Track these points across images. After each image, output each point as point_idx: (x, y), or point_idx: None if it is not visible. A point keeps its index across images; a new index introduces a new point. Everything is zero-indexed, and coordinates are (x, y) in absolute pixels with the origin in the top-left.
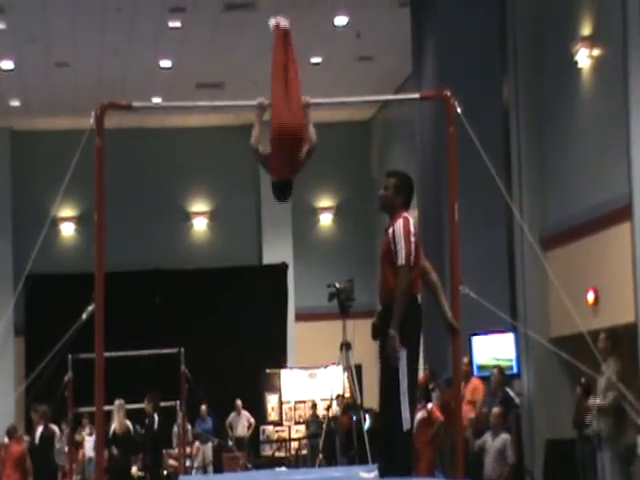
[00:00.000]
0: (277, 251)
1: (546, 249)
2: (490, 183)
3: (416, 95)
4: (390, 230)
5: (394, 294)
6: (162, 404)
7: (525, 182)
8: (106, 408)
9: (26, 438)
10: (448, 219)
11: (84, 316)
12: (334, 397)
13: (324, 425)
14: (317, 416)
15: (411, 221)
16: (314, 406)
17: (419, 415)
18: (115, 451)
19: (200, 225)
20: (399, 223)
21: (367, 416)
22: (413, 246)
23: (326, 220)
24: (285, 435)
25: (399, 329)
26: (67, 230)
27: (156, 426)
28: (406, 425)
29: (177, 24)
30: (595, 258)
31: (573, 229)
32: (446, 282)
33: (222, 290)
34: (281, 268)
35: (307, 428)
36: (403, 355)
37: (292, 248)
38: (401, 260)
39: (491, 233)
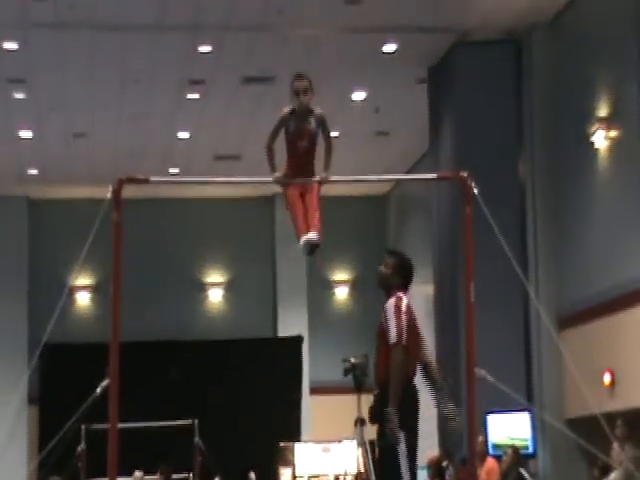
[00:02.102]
0: (292, 323)
1: (563, 329)
2: (506, 263)
3: (433, 175)
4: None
5: (388, 375)
6: (175, 476)
7: (541, 262)
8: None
9: None
10: (464, 298)
11: (98, 391)
12: (349, 473)
13: None
14: None
15: (404, 301)
16: None
17: None
18: None
19: (215, 296)
20: (390, 301)
21: None
22: (404, 324)
23: (342, 293)
24: None
25: (397, 411)
26: (82, 299)
27: None
28: None
29: (195, 96)
30: (612, 339)
31: (590, 310)
32: (461, 363)
33: (237, 362)
34: (296, 341)
35: None
36: (401, 436)
37: (307, 320)
38: (392, 339)
39: (507, 313)
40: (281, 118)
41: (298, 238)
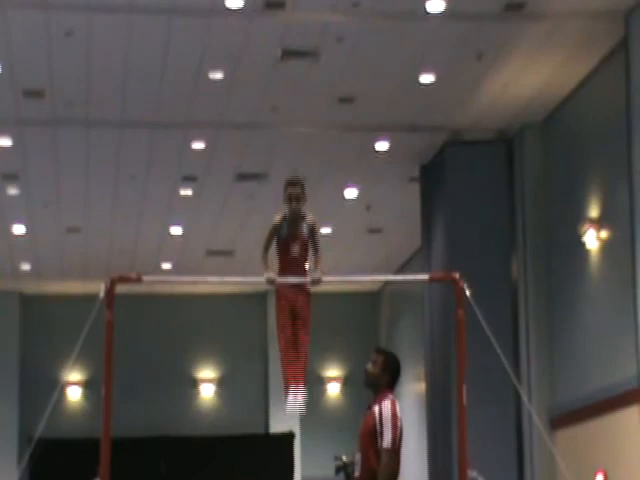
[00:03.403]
0: (284, 419)
1: (555, 428)
2: (498, 363)
3: (425, 277)
4: (376, 410)
5: (375, 476)
6: None
7: (533, 362)
8: None
9: None
10: (456, 398)
11: None
12: None
13: None
14: None
15: (397, 405)
16: None
17: None
18: None
19: (207, 392)
20: (387, 405)
21: None
22: (399, 431)
23: (334, 390)
24: None
25: None
26: (73, 394)
27: None
28: None
29: (189, 192)
30: (605, 440)
31: (582, 410)
32: (453, 463)
33: (228, 458)
34: (288, 437)
35: None
36: None
37: (299, 417)
38: (387, 444)
39: (499, 412)
40: (273, 226)
41: (286, 388)
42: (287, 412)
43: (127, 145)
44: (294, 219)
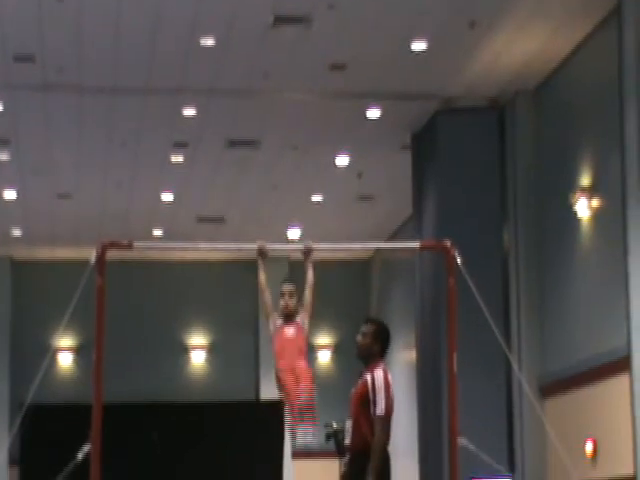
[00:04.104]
0: (275, 387)
1: (545, 397)
2: (489, 331)
3: (416, 244)
4: (368, 378)
5: (366, 443)
6: None
7: (524, 330)
8: None
9: None
10: (446, 367)
11: (79, 456)
12: None
13: None
14: None
15: (389, 374)
16: None
17: None
18: None
19: (198, 358)
20: (379, 374)
21: None
22: (391, 399)
23: (324, 358)
24: None
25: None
26: (64, 360)
27: None
28: None
29: (180, 159)
30: (594, 408)
31: (572, 378)
32: (444, 431)
33: (218, 425)
34: (278, 405)
35: None
36: None
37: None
38: (380, 411)
39: (489, 381)
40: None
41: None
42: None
43: (118, 111)
44: (288, 315)
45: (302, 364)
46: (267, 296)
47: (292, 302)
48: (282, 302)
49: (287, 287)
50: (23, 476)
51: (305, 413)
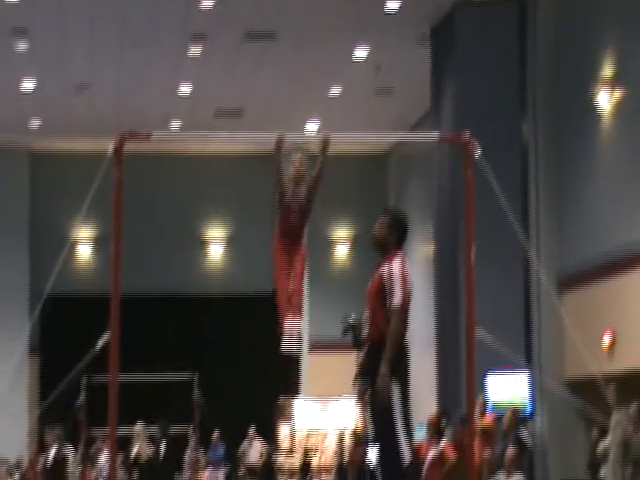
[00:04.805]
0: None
1: (563, 291)
2: (507, 225)
3: (435, 136)
4: (385, 269)
5: (383, 334)
6: (175, 430)
7: (543, 224)
8: (121, 431)
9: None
10: (464, 259)
11: (98, 345)
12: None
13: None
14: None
15: (407, 264)
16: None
17: (431, 454)
18: (136, 476)
19: (216, 251)
20: (397, 265)
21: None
22: (408, 290)
23: (342, 251)
24: (297, 465)
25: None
26: (83, 251)
27: (163, 453)
28: (406, 459)
29: (198, 51)
30: (612, 301)
31: (591, 272)
32: (461, 324)
33: (236, 318)
34: None
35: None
36: (396, 391)
37: (307, 277)
38: (397, 302)
39: (508, 274)
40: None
41: (281, 319)
42: (282, 351)
43: (135, 2)
44: (297, 179)
45: (300, 251)
46: (283, 189)
47: (302, 167)
48: (292, 168)
49: (298, 155)
50: (43, 364)
51: (292, 303)
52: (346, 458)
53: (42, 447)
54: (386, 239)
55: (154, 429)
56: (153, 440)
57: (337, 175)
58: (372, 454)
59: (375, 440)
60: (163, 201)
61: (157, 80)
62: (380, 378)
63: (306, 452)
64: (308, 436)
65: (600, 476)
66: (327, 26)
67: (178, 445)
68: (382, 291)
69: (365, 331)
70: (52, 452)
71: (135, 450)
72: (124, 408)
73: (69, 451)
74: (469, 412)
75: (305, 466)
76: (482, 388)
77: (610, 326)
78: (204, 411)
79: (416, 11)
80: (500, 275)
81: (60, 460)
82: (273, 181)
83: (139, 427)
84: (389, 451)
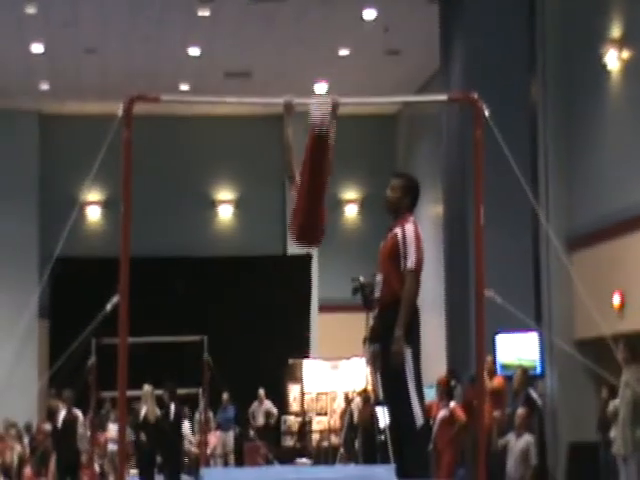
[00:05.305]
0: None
1: (573, 250)
2: (516, 185)
3: (444, 97)
4: (398, 233)
5: (397, 297)
6: (185, 392)
7: (552, 183)
8: (130, 393)
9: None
10: (473, 220)
11: (108, 307)
12: (357, 391)
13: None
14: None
15: (419, 227)
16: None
17: (440, 414)
18: (143, 437)
19: (225, 213)
20: (410, 228)
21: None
22: (422, 252)
23: (351, 212)
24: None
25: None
26: (93, 214)
27: (172, 415)
28: (418, 421)
29: (206, 13)
30: (622, 261)
31: (600, 231)
32: (470, 284)
33: (246, 279)
34: (305, 259)
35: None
36: (408, 353)
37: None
38: (411, 265)
39: (517, 234)
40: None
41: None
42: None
43: None
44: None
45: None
46: (291, 154)
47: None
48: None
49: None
50: (52, 327)
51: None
52: (355, 419)
53: (49, 413)
54: (400, 202)
55: (163, 391)
56: (162, 402)
57: (345, 136)
58: (381, 415)
59: (387, 403)
60: (172, 163)
61: (166, 43)
62: (395, 342)
63: (304, 413)
64: (317, 397)
65: (610, 436)
66: None
67: (188, 407)
68: (396, 254)
69: (377, 293)
70: (62, 414)
71: (143, 412)
72: (133, 371)
73: (79, 414)
74: (478, 372)
75: (302, 427)
76: (492, 349)
77: (620, 286)
78: (214, 373)
79: None
80: (509, 235)
81: (71, 421)
82: (282, 146)
83: (147, 389)
84: (402, 414)
